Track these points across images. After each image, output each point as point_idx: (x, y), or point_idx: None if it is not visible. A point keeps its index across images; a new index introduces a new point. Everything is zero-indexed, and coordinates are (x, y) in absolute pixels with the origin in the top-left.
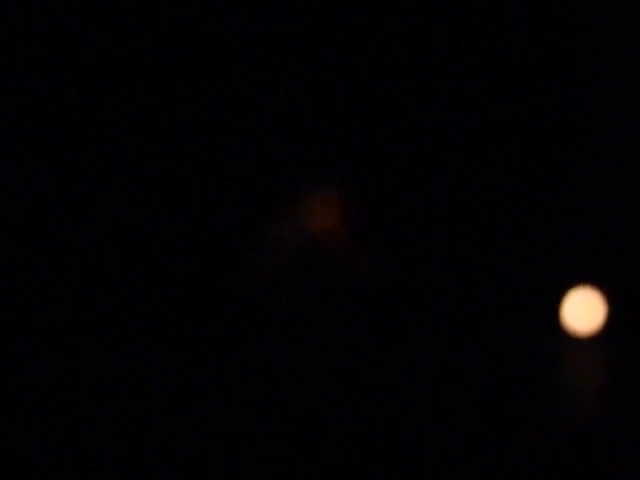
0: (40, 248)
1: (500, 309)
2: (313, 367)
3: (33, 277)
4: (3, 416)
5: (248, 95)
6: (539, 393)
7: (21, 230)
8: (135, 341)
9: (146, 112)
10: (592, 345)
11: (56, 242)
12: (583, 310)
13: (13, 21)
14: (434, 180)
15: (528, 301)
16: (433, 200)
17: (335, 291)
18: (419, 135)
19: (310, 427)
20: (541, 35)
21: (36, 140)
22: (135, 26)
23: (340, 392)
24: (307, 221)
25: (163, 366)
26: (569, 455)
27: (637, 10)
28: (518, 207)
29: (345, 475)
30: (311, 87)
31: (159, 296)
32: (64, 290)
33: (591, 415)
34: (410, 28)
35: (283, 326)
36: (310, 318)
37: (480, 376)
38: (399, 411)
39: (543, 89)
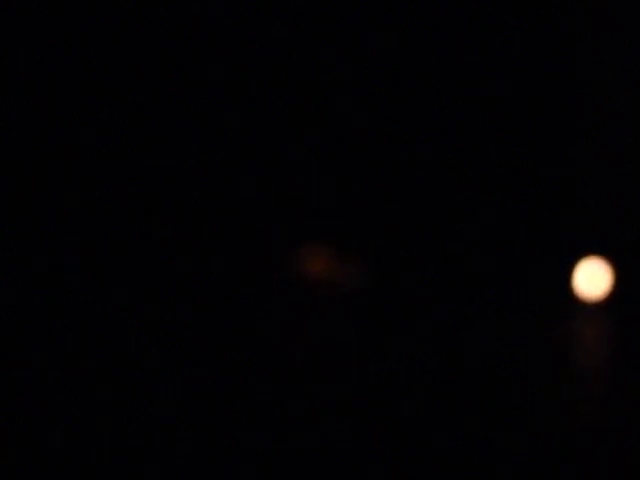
0: (40, 248)
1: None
2: (312, 368)
3: (33, 277)
4: (3, 416)
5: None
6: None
7: (21, 230)
8: (134, 341)
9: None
10: (602, 312)
11: (56, 242)
12: (593, 277)
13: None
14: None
15: (538, 269)
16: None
17: (334, 290)
18: (418, 133)
19: (309, 427)
20: (541, 35)
21: (36, 140)
22: (135, 26)
23: (340, 392)
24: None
25: (162, 366)
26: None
27: (637, 10)
28: (528, 179)
29: (345, 475)
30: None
31: (159, 296)
32: (64, 290)
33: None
34: (410, 28)
35: (282, 326)
36: (309, 318)
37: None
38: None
39: (543, 89)
